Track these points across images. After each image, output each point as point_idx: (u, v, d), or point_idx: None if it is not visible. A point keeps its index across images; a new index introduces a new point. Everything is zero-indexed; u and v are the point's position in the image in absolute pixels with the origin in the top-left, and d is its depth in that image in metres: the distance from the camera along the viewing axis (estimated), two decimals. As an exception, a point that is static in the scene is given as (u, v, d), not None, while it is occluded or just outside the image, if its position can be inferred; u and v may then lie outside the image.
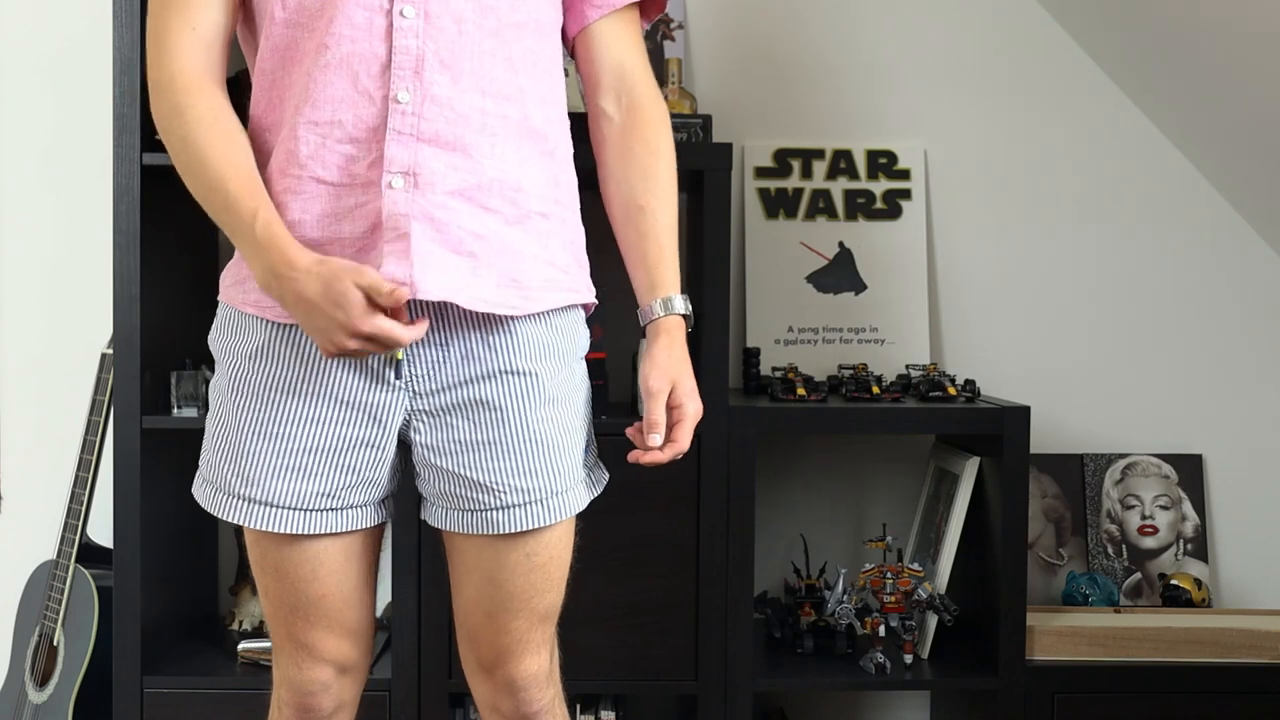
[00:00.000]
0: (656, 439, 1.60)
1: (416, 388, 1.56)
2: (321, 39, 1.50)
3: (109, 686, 2.32)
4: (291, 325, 1.55)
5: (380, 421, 1.57)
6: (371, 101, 1.50)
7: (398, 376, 1.55)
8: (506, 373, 1.57)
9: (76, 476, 2.44)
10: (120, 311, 2.25)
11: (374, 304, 1.45)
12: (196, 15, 1.53)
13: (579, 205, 1.68)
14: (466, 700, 2.38)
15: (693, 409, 1.64)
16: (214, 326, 1.64)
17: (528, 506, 1.59)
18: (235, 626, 2.52)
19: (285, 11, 1.52)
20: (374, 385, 1.55)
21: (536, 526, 1.60)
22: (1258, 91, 2.38)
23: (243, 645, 2.38)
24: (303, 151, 1.51)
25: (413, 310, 1.53)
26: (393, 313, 1.47)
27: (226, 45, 1.57)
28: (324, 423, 1.55)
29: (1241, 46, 2.30)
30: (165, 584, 2.39)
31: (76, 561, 2.43)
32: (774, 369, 2.58)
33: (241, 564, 2.58)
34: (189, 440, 2.50)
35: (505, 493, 1.58)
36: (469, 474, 1.58)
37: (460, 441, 1.58)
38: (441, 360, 1.56)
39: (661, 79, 2.57)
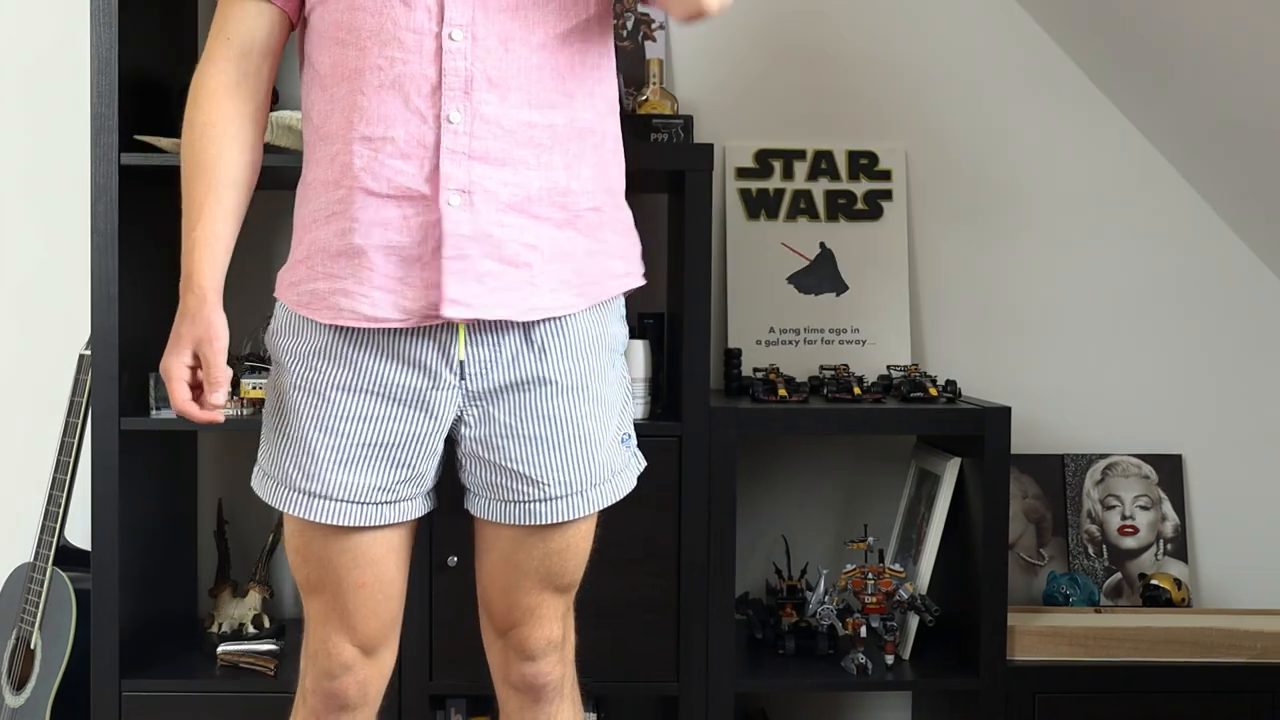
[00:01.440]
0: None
1: (470, 386, 1.63)
2: (374, 60, 1.59)
3: (87, 690, 2.31)
4: (347, 327, 1.62)
5: (435, 416, 1.64)
6: (424, 120, 1.58)
7: (461, 378, 1.62)
8: (552, 372, 1.65)
9: (54, 478, 2.42)
10: (98, 312, 2.24)
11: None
12: (233, 26, 1.67)
13: (624, 187, 1.75)
14: (448, 703, 2.37)
15: None
16: (271, 325, 1.72)
17: (569, 499, 1.68)
18: (215, 629, 2.50)
19: (339, 32, 1.62)
20: (432, 384, 1.63)
21: (577, 517, 1.69)
22: (1237, 94, 2.39)
23: (222, 648, 2.37)
24: (355, 164, 1.59)
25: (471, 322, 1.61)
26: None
27: (265, 54, 1.68)
28: (382, 419, 1.63)
29: (1220, 49, 2.31)
30: (144, 586, 2.38)
31: (54, 564, 2.41)
32: (755, 370, 2.58)
33: (221, 566, 2.57)
34: (167, 441, 2.50)
35: (549, 485, 1.66)
36: (514, 466, 1.66)
37: (507, 436, 1.65)
38: (493, 360, 1.63)
39: (643, 79, 2.57)
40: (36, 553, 2.42)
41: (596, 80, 1.68)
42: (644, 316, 2.47)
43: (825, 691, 2.75)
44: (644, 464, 1.79)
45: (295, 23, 1.71)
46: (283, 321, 1.69)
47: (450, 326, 1.61)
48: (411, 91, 1.57)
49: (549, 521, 1.68)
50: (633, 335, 2.41)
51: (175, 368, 1.59)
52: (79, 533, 2.50)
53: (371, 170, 1.58)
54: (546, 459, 1.66)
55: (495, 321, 1.62)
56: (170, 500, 2.54)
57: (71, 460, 2.41)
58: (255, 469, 1.72)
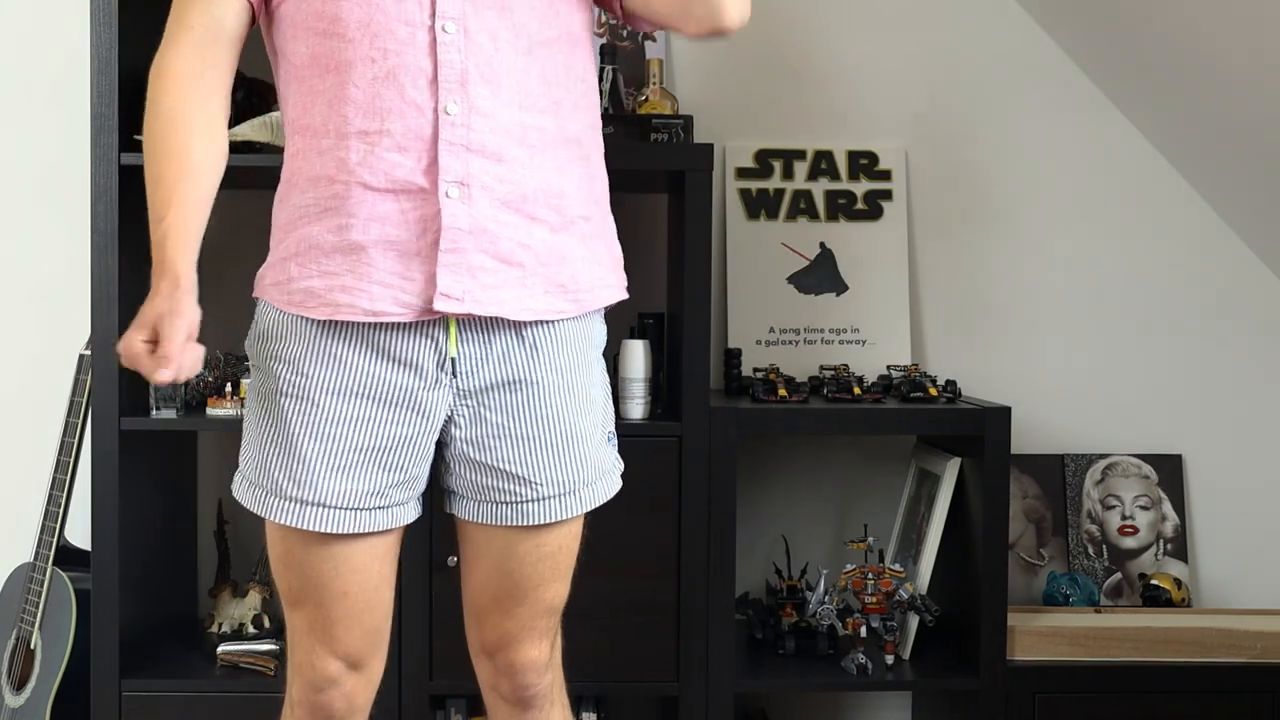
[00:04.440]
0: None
1: (461, 384, 1.62)
2: (366, 52, 1.57)
3: (87, 689, 2.31)
4: (336, 323, 1.59)
5: (427, 417, 1.62)
6: (420, 112, 1.56)
7: (453, 375, 1.61)
8: (543, 371, 1.64)
9: (54, 478, 2.42)
10: (99, 312, 2.24)
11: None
12: (195, 14, 1.62)
13: (609, 203, 1.74)
14: (447, 702, 2.37)
15: None
16: (252, 330, 1.68)
17: (562, 498, 1.66)
18: (214, 629, 2.50)
19: (323, 23, 1.59)
20: (423, 384, 1.61)
21: (569, 517, 1.67)
22: (1237, 94, 2.38)
23: (222, 648, 2.36)
24: (352, 159, 1.57)
25: (463, 319, 1.60)
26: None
27: (229, 44, 1.64)
28: (374, 422, 1.61)
29: (1221, 50, 2.31)
30: (144, 586, 2.38)
31: (54, 564, 2.41)
32: (755, 370, 2.58)
33: (221, 566, 2.57)
34: (168, 441, 2.50)
35: (542, 485, 1.65)
36: (506, 467, 1.64)
37: (499, 436, 1.64)
38: (484, 357, 1.62)
39: (643, 80, 2.57)
40: (36, 553, 2.42)
41: (581, 94, 1.67)
42: (644, 316, 2.47)
43: (825, 691, 2.74)
44: (621, 465, 1.77)
45: (258, 14, 1.66)
46: (267, 325, 1.65)
47: (443, 322, 1.59)
48: (407, 84, 1.55)
49: (542, 521, 1.66)
50: (632, 335, 2.41)
51: (131, 344, 1.46)
52: (79, 533, 2.50)
53: (368, 164, 1.56)
54: (540, 459, 1.64)
55: (487, 319, 1.60)
56: (170, 500, 2.54)
57: (71, 460, 2.41)
58: (237, 476, 1.68)
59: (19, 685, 2.43)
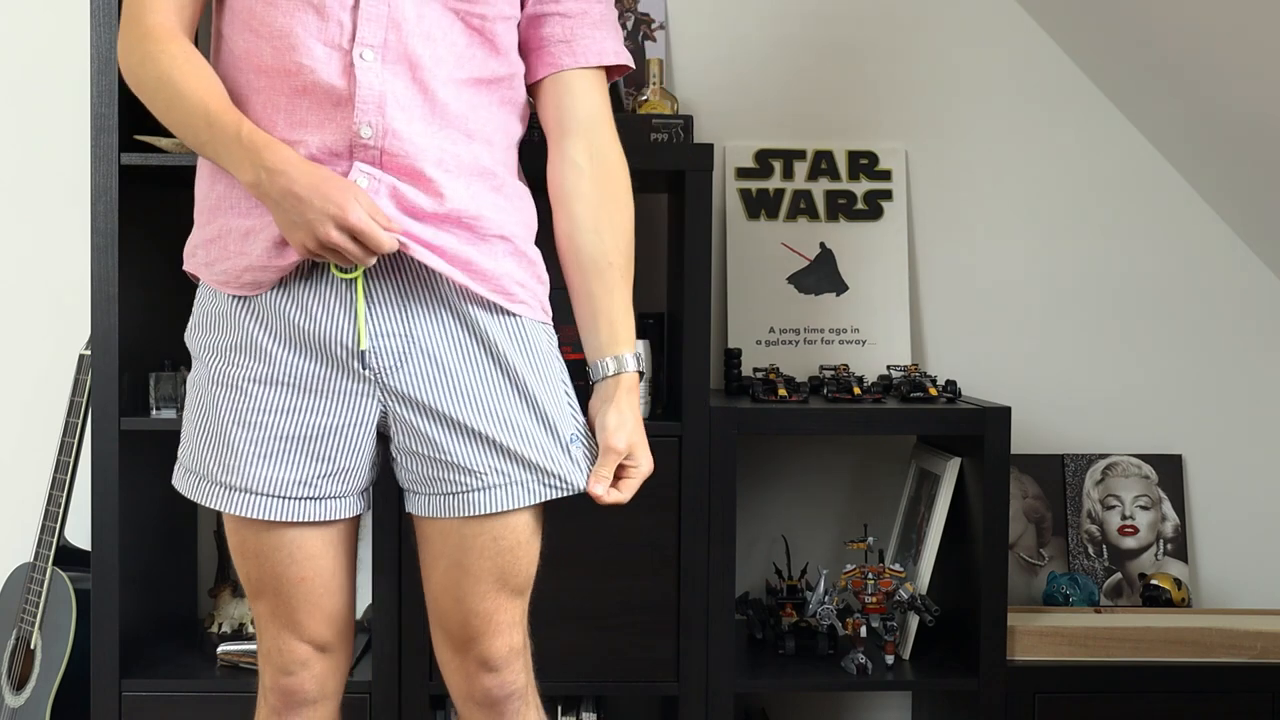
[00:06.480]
0: (599, 489, 1.69)
1: (386, 381, 1.63)
2: (286, 63, 1.59)
3: (87, 690, 2.31)
4: (257, 306, 1.63)
5: (355, 408, 1.64)
6: (337, 129, 1.59)
7: (364, 367, 1.62)
8: (478, 361, 1.65)
9: (54, 478, 2.42)
10: (98, 312, 2.24)
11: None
12: (153, 16, 1.63)
13: (534, 235, 1.74)
14: (447, 703, 2.37)
15: (647, 468, 1.75)
16: (190, 322, 1.72)
17: (508, 487, 1.65)
18: (215, 629, 2.51)
19: (252, 20, 1.61)
20: (342, 375, 1.63)
21: (516, 507, 1.66)
22: (1237, 94, 2.39)
23: (222, 648, 2.37)
24: None
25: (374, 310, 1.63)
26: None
27: (198, 11, 1.67)
28: (296, 411, 1.63)
29: (1221, 50, 2.31)
30: (144, 586, 2.38)
31: (54, 564, 2.41)
32: (755, 370, 2.58)
33: (221, 566, 2.57)
34: (168, 441, 2.48)
35: (485, 474, 1.64)
36: (446, 458, 1.64)
37: (435, 428, 1.64)
38: (405, 352, 1.63)
39: (643, 79, 2.57)
40: (36, 553, 2.42)
41: (495, 129, 1.68)
42: (644, 317, 2.47)
43: (825, 691, 2.75)
44: (585, 466, 1.73)
45: None
46: (200, 316, 1.70)
47: (353, 314, 1.61)
48: (325, 101, 1.59)
49: (485, 511, 1.64)
50: (632, 335, 2.41)
51: (360, 216, 1.53)
52: (79, 533, 2.50)
53: None
54: (477, 449, 1.64)
55: (405, 305, 1.62)
56: (170, 500, 2.53)
57: (71, 460, 2.41)
58: (176, 465, 1.72)
59: (19, 685, 2.43)
